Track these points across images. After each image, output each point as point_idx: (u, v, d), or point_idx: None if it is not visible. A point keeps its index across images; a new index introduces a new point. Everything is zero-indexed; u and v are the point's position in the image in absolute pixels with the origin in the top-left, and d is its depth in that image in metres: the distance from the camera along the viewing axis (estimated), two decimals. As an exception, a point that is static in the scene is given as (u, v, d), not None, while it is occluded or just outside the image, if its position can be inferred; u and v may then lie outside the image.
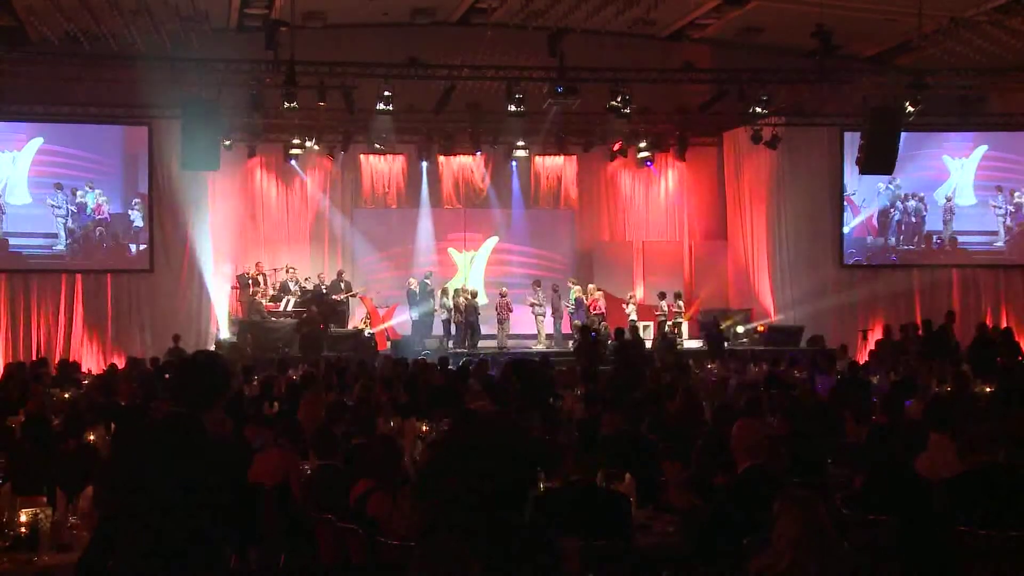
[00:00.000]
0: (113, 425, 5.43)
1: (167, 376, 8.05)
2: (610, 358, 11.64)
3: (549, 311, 14.66)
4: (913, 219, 15.65)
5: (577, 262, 16.57)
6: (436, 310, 14.61)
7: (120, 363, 11.54)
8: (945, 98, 13.84)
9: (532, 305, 14.55)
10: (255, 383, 8.55)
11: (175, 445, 2.46)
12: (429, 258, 15.84)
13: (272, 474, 4.12)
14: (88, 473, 4.04)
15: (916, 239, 15.52)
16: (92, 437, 5.19)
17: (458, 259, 16.31)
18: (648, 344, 13.38)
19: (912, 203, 15.60)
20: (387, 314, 15.04)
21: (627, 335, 12.05)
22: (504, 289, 14.65)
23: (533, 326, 14.73)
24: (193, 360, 2.75)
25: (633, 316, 14.72)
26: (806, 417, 5.18)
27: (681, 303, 14.61)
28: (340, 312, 14.41)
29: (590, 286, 15.02)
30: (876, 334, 14.10)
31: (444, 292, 14.91)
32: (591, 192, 16.76)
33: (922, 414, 4.58)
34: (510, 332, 14.42)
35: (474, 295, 14.48)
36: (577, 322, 14.08)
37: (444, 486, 2.53)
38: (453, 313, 14.49)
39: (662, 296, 14.63)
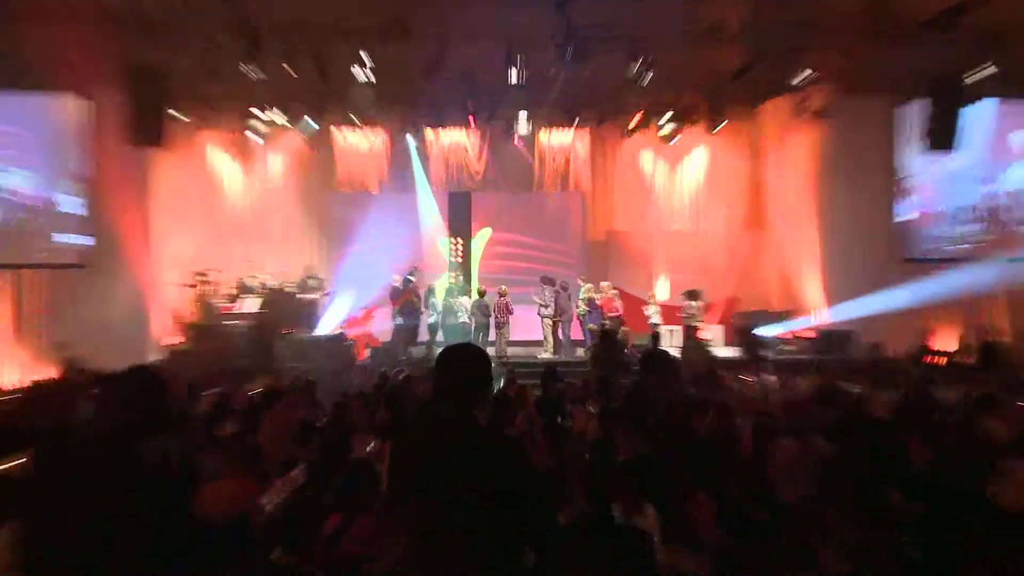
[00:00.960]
0: (34, 449, 5.37)
1: (92, 393, 7.91)
2: (633, 368, 11.54)
3: (552, 313, 14.30)
4: (990, 204, 15.25)
5: (588, 255, 16.43)
6: (423, 311, 14.48)
7: (47, 374, 11.39)
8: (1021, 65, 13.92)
9: (541, 307, 14.29)
10: (207, 399, 8.36)
11: (107, 474, 2.45)
12: (415, 250, 15.73)
13: (225, 507, 4.01)
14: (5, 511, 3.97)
15: (994, 228, 15.27)
16: (9, 466, 5.10)
17: (449, 252, 16.25)
18: (675, 352, 13.25)
19: (988, 186, 15.24)
20: (365, 317, 15.05)
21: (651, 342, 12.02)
22: (503, 287, 14.37)
23: (536, 330, 14.50)
24: (127, 376, 2.68)
25: (655, 319, 14.65)
26: (863, 438, 5.16)
27: (697, 303, 14.37)
28: (309, 315, 14.31)
29: (603, 284, 14.82)
30: (942, 341, 14.03)
31: (432, 291, 14.76)
32: (605, 173, 16.57)
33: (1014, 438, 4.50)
34: (510, 338, 14.13)
35: (482, 293, 14.36)
36: (592, 326, 13.93)
37: (443, 487, 2.61)
38: (444, 316, 14.38)
39: (690, 295, 14.42)
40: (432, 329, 14.44)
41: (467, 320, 14.21)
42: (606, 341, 11.75)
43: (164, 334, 14.22)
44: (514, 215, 16.30)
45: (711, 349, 13.97)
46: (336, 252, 15.71)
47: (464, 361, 2.81)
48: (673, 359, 11.58)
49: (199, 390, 9.19)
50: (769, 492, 3.53)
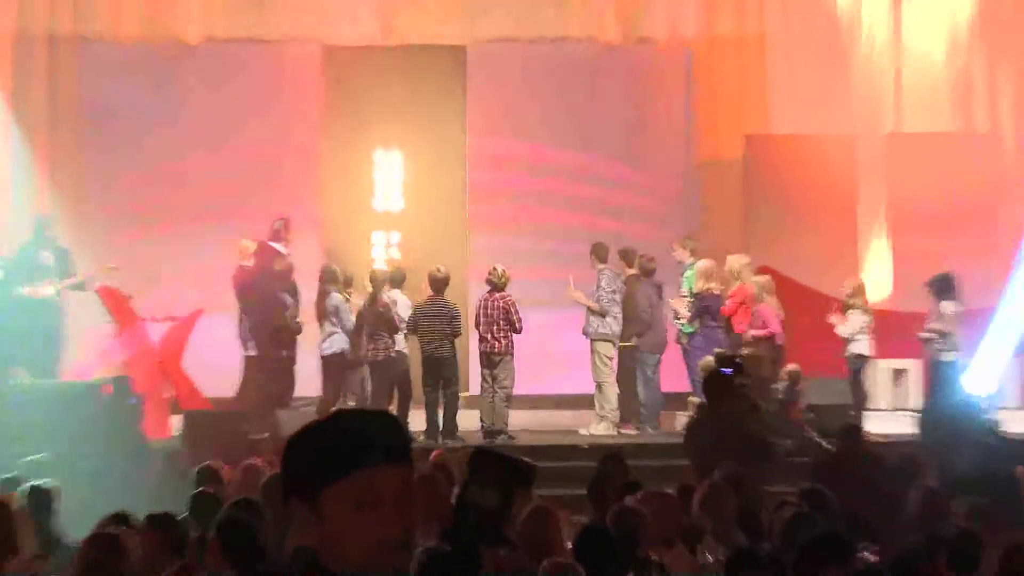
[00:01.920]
0: None
1: None
2: (800, 462, 11.49)
3: (618, 328, 14.74)
4: None
5: (701, 192, 17.91)
6: (303, 322, 15.04)
7: None
8: None
9: (591, 315, 15.04)
10: None
11: None
12: (289, 183, 17.03)
13: None
14: None
15: None
16: None
17: (372, 187, 17.86)
18: (907, 424, 13.76)
19: None
20: (173, 339, 15.25)
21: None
22: (498, 269, 14.92)
23: (578, 372, 15.11)
24: None
25: (859, 344, 15.06)
26: None
27: (952, 306, 14.74)
28: (42, 332, 15.04)
29: (734, 260, 15.56)
30: None
31: (333, 277, 15.45)
32: (742, 3, 17.12)
33: None
34: (513, 390, 14.69)
35: (440, 282, 15.02)
36: (709, 359, 14.21)
37: None
38: (365, 334, 15.10)
39: (943, 287, 14.84)
40: (331, 366, 14.66)
41: (404, 349, 14.79)
42: (736, 394, 11.58)
43: None
44: (531, 102, 17.41)
45: (999, 422, 14.10)
46: (103, 185, 16.66)
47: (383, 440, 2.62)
48: (902, 453, 11.58)
49: None
50: None
